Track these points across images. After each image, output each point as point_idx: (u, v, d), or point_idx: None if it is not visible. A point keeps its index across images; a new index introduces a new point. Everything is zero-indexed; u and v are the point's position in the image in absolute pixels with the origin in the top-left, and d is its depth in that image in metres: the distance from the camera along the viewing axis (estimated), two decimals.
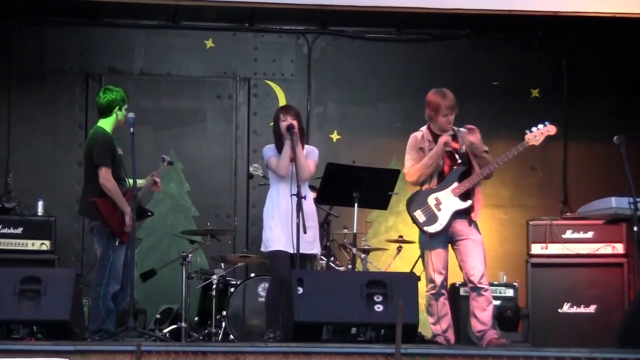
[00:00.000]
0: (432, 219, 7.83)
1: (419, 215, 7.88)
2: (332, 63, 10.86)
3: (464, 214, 7.83)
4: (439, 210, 7.85)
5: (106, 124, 8.20)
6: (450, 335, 7.87)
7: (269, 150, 8.07)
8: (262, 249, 8.02)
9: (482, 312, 7.78)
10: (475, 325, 7.82)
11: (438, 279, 7.84)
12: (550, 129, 7.88)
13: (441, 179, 7.90)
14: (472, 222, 7.85)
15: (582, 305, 9.64)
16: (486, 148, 7.89)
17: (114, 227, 8.00)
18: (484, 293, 7.78)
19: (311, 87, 10.80)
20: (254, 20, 10.66)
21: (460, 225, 7.83)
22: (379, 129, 10.74)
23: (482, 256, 7.80)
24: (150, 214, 8.53)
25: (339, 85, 10.81)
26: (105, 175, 8.00)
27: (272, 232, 7.89)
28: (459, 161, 7.89)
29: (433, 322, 7.89)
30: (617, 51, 10.68)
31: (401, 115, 10.80)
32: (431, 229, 7.83)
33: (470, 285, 7.83)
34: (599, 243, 9.68)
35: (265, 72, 10.77)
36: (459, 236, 7.83)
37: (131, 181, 7.97)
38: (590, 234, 9.71)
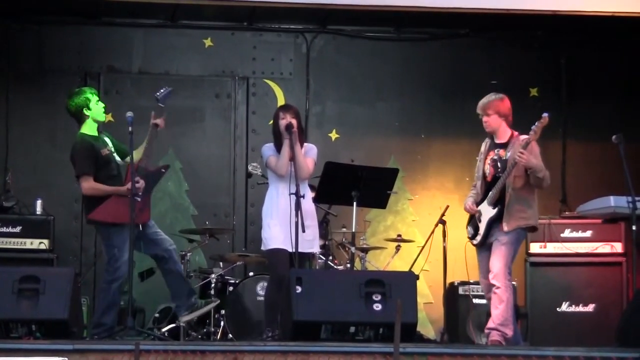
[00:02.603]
0: (476, 231, 8.07)
1: (469, 230, 8.15)
2: (330, 62, 10.85)
3: (498, 220, 7.94)
4: (480, 221, 8.04)
5: (86, 128, 8.21)
6: (507, 330, 7.87)
7: (268, 149, 8.05)
8: (262, 247, 8.02)
9: (494, 310, 7.88)
10: (488, 322, 7.94)
11: (483, 284, 8.10)
12: (543, 120, 7.88)
13: (484, 187, 8.05)
14: (501, 229, 7.93)
15: (580, 304, 9.63)
16: (539, 174, 7.87)
17: (125, 221, 7.90)
18: (496, 291, 7.85)
19: (310, 86, 10.79)
20: (253, 20, 10.65)
21: (494, 231, 7.98)
22: (378, 128, 10.73)
23: (501, 254, 7.87)
24: (163, 170, 8.44)
25: (337, 84, 10.80)
26: (85, 186, 8.05)
27: (270, 231, 7.88)
28: (499, 170, 7.97)
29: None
30: (617, 50, 10.67)
31: (399, 114, 10.81)
32: (475, 241, 8.09)
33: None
34: (598, 242, 9.66)
35: (263, 71, 10.76)
36: (492, 239, 7.99)
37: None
38: (588, 233, 9.69)
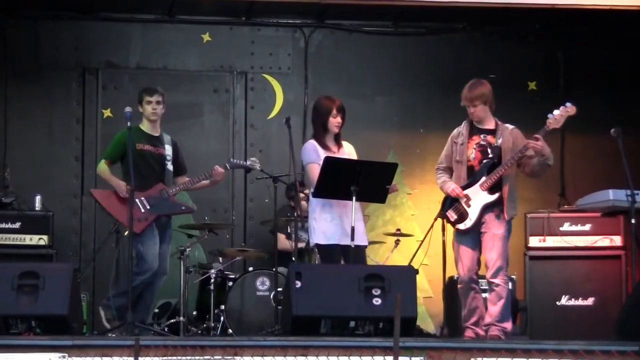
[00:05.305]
0: (463, 216, 7.92)
1: (451, 215, 7.99)
2: (328, 57, 10.83)
3: (492, 207, 7.85)
4: (469, 206, 7.90)
5: (142, 121, 8.59)
6: (479, 329, 7.87)
7: (311, 152, 7.94)
8: (321, 241, 7.90)
9: (492, 307, 7.81)
10: (485, 318, 7.88)
11: (466, 276, 7.92)
12: (570, 110, 7.85)
13: (471, 174, 7.93)
14: (500, 215, 7.85)
15: (580, 298, 9.61)
16: (549, 162, 7.86)
17: (117, 216, 8.30)
18: (494, 288, 7.80)
19: (308, 81, 10.75)
20: (251, 14, 10.62)
21: (488, 218, 7.86)
22: (376, 123, 10.71)
23: (500, 250, 7.79)
24: (184, 208, 8.72)
25: (335, 78, 10.75)
26: (98, 166, 8.59)
27: (324, 225, 7.85)
28: (490, 155, 7.90)
29: (464, 314, 7.99)
30: (614, 43, 10.65)
31: (398, 108, 10.80)
32: (462, 226, 7.94)
33: (485, 279, 7.90)
34: (597, 235, 9.63)
35: (262, 66, 10.74)
36: (484, 229, 7.87)
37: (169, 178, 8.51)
38: (587, 227, 9.67)
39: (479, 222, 7.88)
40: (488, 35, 10.80)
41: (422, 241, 9.19)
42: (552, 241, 9.69)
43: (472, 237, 7.92)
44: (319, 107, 8.04)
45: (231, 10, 10.57)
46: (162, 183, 8.48)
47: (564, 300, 9.61)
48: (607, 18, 10.04)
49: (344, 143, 8.10)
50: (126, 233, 8.26)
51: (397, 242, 9.77)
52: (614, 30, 10.51)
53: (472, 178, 7.93)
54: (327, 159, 7.85)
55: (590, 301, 9.61)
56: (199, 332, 9.01)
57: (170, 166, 8.60)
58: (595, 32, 10.62)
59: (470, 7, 9.91)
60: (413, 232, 10.08)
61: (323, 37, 10.84)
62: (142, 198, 8.32)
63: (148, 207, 8.34)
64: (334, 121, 7.95)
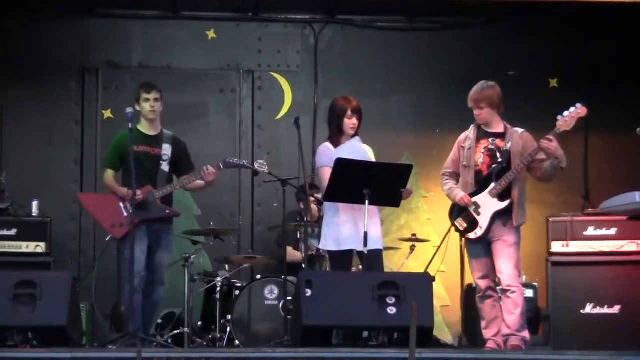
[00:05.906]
0: (473, 224, 7.82)
1: (460, 224, 7.90)
2: (339, 54, 10.76)
3: (503, 214, 7.73)
4: (479, 214, 7.79)
5: (140, 122, 8.46)
6: (500, 339, 7.76)
7: (324, 155, 7.89)
8: (332, 247, 7.83)
9: (509, 316, 7.69)
10: (503, 329, 7.74)
11: (482, 284, 7.84)
12: (580, 111, 7.72)
13: (479, 179, 7.82)
14: (507, 223, 7.73)
15: (605, 306, 9.51)
16: (563, 164, 7.71)
17: (100, 222, 8.27)
18: (510, 296, 7.67)
19: (318, 80, 10.70)
20: (258, 10, 10.60)
21: (497, 226, 7.75)
22: (390, 123, 10.62)
23: (512, 257, 7.70)
24: (168, 212, 8.42)
25: (347, 77, 10.67)
26: (103, 176, 8.47)
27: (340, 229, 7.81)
28: (499, 160, 7.78)
29: (484, 326, 7.88)
30: (639, 40, 10.51)
31: (412, 107, 10.74)
32: (472, 235, 7.84)
33: (500, 287, 7.77)
34: (623, 240, 9.52)
35: (270, 64, 10.68)
36: (493, 237, 7.78)
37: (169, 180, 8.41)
38: (613, 231, 9.56)
39: (489, 230, 7.79)
40: (506, 30, 10.69)
41: (439, 247, 9.21)
42: (575, 246, 9.59)
43: (483, 244, 7.83)
44: (334, 107, 8.02)
45: (237, 6, 10.53)
46: (154, 184, 8.33)
47: (589, 309, 9.53)
48: (633, 13, 9.89)
49: (362, 145, 8.08)
50: (107, 239, 8.26)
51: (412, 248, 9.68)
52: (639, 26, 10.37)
53: (480, 184, 7.83)
54: (338, 160, 7.76)
55: (616, 309, 9.51)
56: (204, 343, 8.92)
57: (165, 166, 8.43)
58: (621, 28, 10.45)
59: (488, 1, 9.88)
60: (429, 237, 10.00)
61: (334, 33, 10.79)
62: (127, 201, 8.22)
63: (131, 211, 8.15)
64: (349, 122, 7.91)
